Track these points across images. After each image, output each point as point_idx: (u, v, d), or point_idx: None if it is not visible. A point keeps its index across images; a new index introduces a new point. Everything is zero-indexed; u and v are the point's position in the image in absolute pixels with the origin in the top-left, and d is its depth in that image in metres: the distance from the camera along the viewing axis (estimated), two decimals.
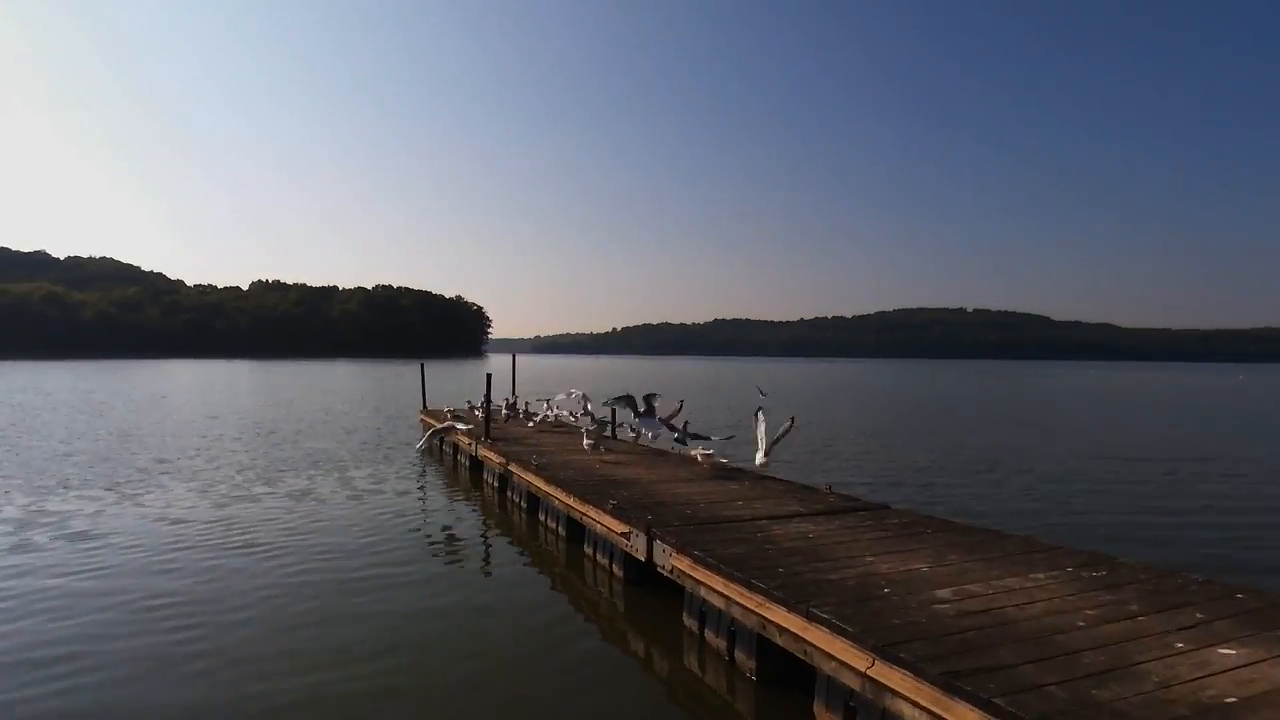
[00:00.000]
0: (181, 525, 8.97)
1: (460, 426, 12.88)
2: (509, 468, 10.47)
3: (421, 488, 12.03)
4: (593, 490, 7.82)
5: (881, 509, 7.08)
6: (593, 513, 7.26)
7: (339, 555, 7.74)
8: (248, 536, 8.45)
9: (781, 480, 8.87)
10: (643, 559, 6.16)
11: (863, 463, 14.99)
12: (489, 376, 13.87)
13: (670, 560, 5.67)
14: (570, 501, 7.87)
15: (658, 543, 5.92)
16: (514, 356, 22.48)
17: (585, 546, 7.68)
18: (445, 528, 9.21)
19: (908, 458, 15.85)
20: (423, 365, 22.29)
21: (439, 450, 16.00)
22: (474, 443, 12.65)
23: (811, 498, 7.58)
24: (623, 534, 6.53)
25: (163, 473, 12.80)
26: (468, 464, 13.32)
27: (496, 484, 11.29)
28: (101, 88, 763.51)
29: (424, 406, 20.19)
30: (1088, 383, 67.66)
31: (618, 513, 6.80)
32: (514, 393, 20.24)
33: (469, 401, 18.78)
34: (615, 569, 6.90)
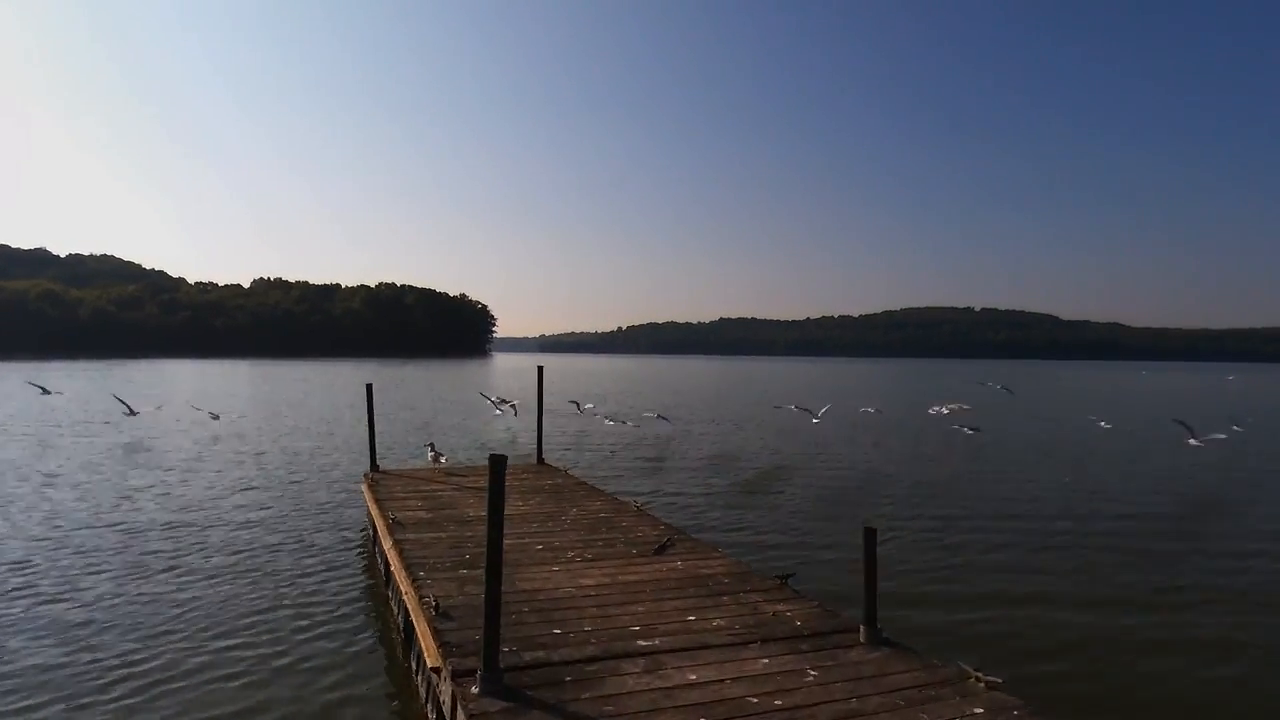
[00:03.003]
0: None
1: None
2: None
3: None
4: None
5: None
6: None
7: None
8: None
9: None
10: None
11: None
12: (498, 467, 5.07)
13: None
14: None
15: None
16: (540, 369, 13.30)
17: None
18: None
19: None
20: (370, 387, 12.68)
21: (393, 613, 7.02)
22: (452, 688, 4.12)
23: None
24: None
25: None
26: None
27: None
28: (106, 84, 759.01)
29: (372, 465, 11.56)
30: (1177, 386, 56.22)
31: None
32: (540, 406, 13.21)
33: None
34: None
